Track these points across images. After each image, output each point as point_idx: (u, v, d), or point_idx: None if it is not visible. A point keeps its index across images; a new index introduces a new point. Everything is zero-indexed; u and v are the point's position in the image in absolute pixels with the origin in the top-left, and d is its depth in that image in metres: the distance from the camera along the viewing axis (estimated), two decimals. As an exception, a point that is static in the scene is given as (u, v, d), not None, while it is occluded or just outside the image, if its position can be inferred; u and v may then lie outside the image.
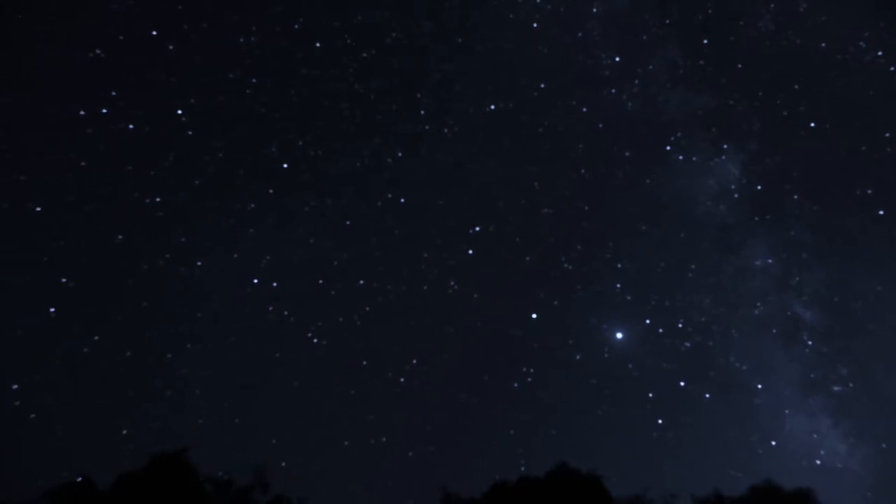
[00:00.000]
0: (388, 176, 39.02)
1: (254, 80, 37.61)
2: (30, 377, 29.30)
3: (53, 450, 28.45)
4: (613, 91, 41.12)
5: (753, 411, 35.29)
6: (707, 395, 35.19)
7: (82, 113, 33.72)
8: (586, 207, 39.56)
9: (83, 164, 33.37)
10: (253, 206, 36.16)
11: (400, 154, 39.33)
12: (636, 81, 41.19)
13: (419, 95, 40.16)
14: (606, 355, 36.49)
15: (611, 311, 37.65)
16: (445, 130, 40.11)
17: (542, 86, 41.08)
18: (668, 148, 40.41)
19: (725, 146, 40.17)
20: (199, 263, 34.39)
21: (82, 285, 32.02)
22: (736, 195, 39.69)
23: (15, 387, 28.66)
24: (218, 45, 37.38)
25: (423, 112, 40.02)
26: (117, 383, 31.01)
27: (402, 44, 40.60)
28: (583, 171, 40.31)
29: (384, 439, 33.01)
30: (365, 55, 39.74)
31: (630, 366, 36.03)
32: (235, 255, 35.31)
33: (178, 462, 23.23)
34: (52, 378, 29.92)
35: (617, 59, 41.32)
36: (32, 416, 28.72)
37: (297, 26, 38.73)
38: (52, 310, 30.90)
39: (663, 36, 41.61)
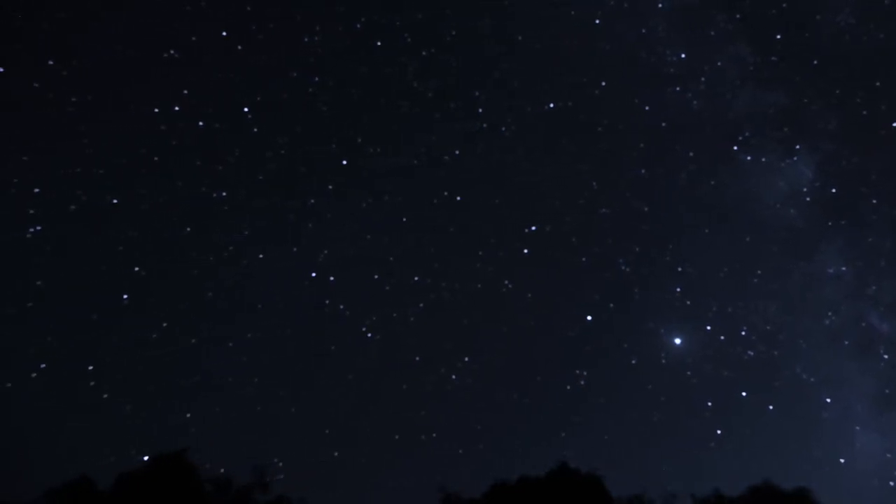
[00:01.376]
0: (444, 174, 39.27)
1: (316, 79, 38.55)
2: (30, 377, 29.58)
3: (53, 450, 28.57)
4: (678, 89, 39.98)
5: (820, 425, 33.70)
6: (770, 407, 33.83)
7: (156, 111, 35.41)
8: (646, 208, 38.65)
9: (156, 158, 35.04)
10: (312, 201, 37.09)
11: (457, 152, 39.48)
12: (702, 79, 39.91)
13: (477, 94, 40.17)
14: (664, 361, 35.59)
15: (669, 315, 36.70)
16: (503, 129, 39.98)
17: (603, 84, 40.34)
18: (736, 148, 38.97)
19: (798, 146, 38.42)
20: (260, 256, 35.41)
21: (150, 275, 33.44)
22: (808, 198, 37.91)
23: (9, 385, 28.81)
24: (282, 45, 38.50)
25: (480, 110, 40.00)
26: (118, 383, 31.15)
27: (461, 42, 40.73)
28: (643, 171, 39.39)
29: (384, 439, 33.35)
30: (424, 53, 40.08)
31: (688, 373, 35.00)
32: (295, 249, 36.29)
33: (178, 462, 23.23)
34: (53, 378, 30.11)
35: (682, 55, 40.13)
36: (33, 416, 29.17)
37: (358, 25, 39.42)
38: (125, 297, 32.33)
39: (733, 32, 40.11)
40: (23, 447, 27.85)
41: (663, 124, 39.83)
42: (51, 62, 33.38)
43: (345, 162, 38.06)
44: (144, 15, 36.16)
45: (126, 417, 30.30)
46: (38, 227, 31.45)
